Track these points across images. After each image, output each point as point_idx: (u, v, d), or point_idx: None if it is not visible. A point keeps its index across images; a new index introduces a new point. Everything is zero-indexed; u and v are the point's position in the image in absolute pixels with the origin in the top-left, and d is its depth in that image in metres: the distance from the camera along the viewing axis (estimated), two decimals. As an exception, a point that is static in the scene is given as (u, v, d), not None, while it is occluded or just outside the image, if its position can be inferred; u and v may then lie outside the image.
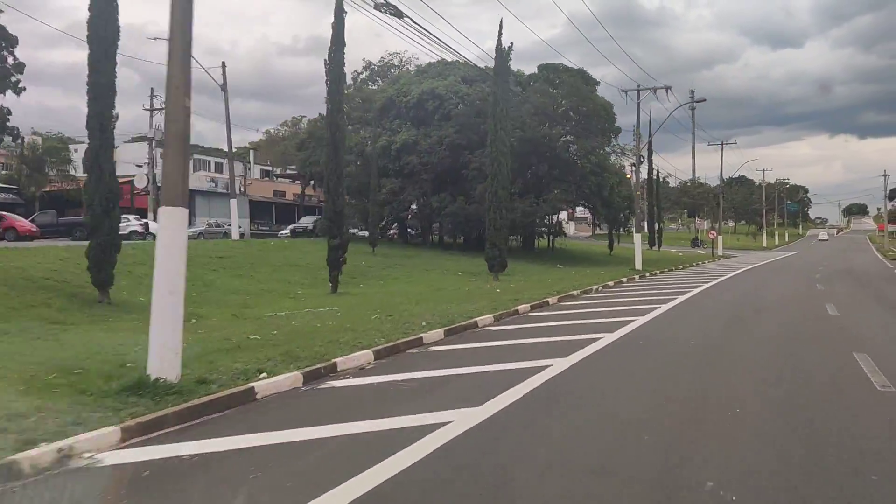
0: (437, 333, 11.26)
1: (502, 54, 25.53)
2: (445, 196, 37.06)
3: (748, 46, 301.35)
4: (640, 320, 13.07)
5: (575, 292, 20.03)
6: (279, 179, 66.32)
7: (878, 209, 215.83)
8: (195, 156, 64.32)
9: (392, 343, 9.91)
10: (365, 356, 8.99)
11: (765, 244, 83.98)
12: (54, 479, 4.40)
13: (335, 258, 18.54)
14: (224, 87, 33.31)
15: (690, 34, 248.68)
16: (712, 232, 55.43)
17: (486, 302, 15.80)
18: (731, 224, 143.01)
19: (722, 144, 56.56)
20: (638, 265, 32.99)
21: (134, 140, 52.56)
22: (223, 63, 34.00)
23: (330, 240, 18.66)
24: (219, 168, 65.56)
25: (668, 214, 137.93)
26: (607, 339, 10.60)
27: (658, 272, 33.13)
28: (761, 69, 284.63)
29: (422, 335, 10.80)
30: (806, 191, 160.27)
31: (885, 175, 71.73)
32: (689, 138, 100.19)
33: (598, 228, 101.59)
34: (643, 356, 9.48)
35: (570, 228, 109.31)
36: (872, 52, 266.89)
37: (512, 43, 26.88)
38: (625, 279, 27.04)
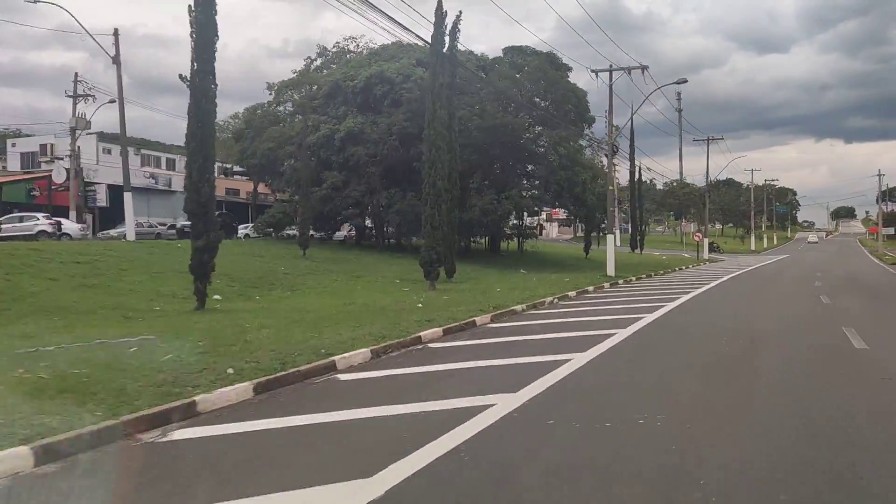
0: (241, 390, 6.95)
1: (442, 18, 21.22)
2: (395, 192, 32.70)
3: (734, 51, 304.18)
4: (578, 361, 8.76)
5: (519, 307, 15.76)
6: (236, 177, 61.74)
7: (867, 212, 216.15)
8: (142, 151, 59.77)
9: (133, 415, 5.60)
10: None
11: (753, 247, 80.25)
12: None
13: (200, 264, 14.11)
14: (116, 60, 28.68)
15: (677, 39, 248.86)
16: (697, 234, 51.43)
17: (384, 324, 11.51)
18: (719, 226, 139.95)
19: (707, 140, 52.51)
20: (610, 271, 28.79)
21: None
22: (115, 31, 29.23)
23: (193, 241, 14.24)
24: (170, 164, 60.91)
25: (654, 217, 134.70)
26: (495, 412, 6.21)
27: (633, 279, 28.98)
28: (748, 74, 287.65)
29: (196, 398, 6.44)
30: (794, 193, 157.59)
31: (879, 175, 67.81)
32: (676, 142, 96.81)
33: (580, 230, 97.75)
34: (521, 479, 5.06)
35: (552, 230, 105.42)
36: (858, 57, 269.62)
37: (461, 12, 22.49)
38: (591, 288, 22.83)
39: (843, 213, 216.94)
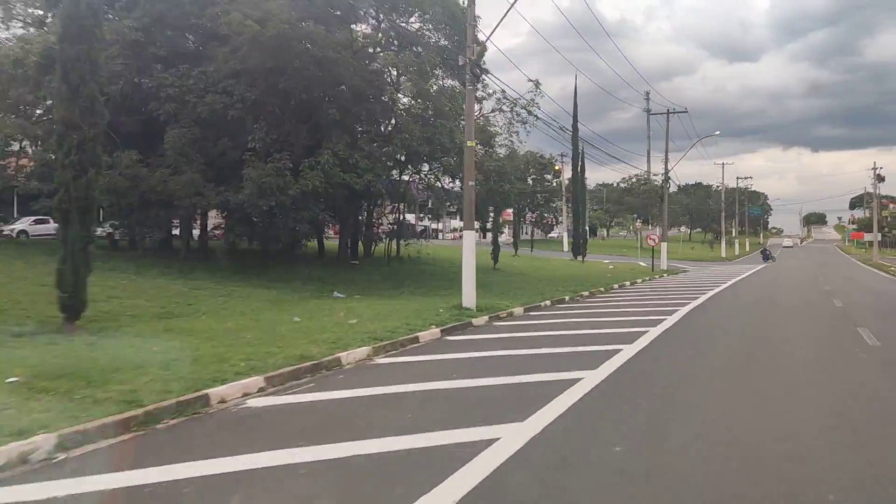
0: None
1: None
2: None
3: (706, 59, 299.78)
4: None
5: None
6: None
7: (839, 218, 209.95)
8: None
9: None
10: None
11: (723, 254, 67.78)
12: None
13: None
14: None
15: (650, 46, 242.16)
16: (651, 236, 38.48)
17: None
18: (686, 231, 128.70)
19: (668, 113, 39.60)
20: (467, 300, 15.36)
21: None
22: None
23: None
24: None
25: (615, 219, 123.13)
26: None
27: (522, 310, 15.95)
28: (718, 82, 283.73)
29: None
30: (766, 197, 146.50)
31: (874, 167, 55.47)
32: (654, 147, 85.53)
33: (525, 232, 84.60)
34: None
35: (506, 234, 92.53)
36: (826, 67, 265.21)
37: None
38: (412, 341, 9.54)
39: (814, 220, 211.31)
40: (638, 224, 47.60)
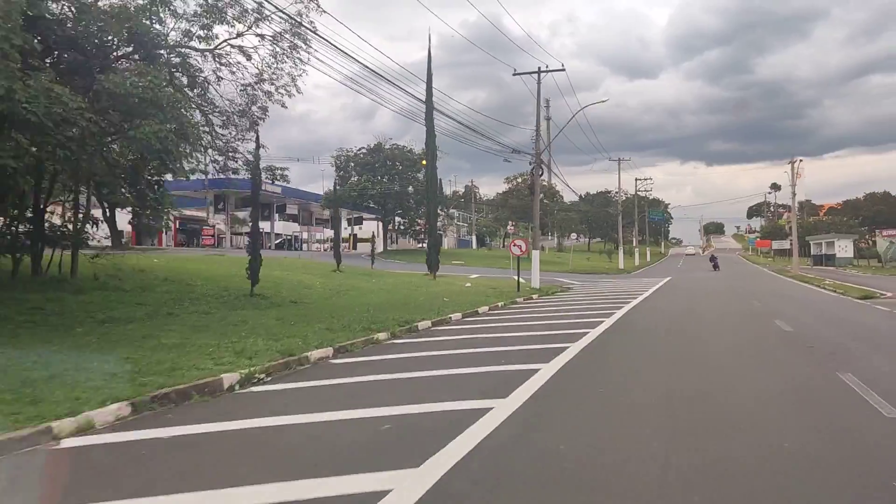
0: None
1: None
2: None
3: (608, 76, 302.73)
4: None
5: None
6: None
7: (737, 227, 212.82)
8: None
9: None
10: None
11: (621, 265, 58.57)
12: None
13: None
14: None
15: (555, 62, 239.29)
16: (517, 243, 27.50)
17: None
18: (584, 240, 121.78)
19: (538, 72, 29.08)
20: None
21: None
22: None
23: None
24: None
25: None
26: None
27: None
28: (620, 98, 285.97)
29: None
30: (667, 205, 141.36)
31: (794, 160, 47.03)
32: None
33: (393, 240, 73.18)
34: None
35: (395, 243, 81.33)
36: (719, 85, 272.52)
37: None
38: None
39: (713, 229, 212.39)
40: (510, 229, 38.21)
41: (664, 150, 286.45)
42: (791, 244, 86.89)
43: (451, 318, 16.77)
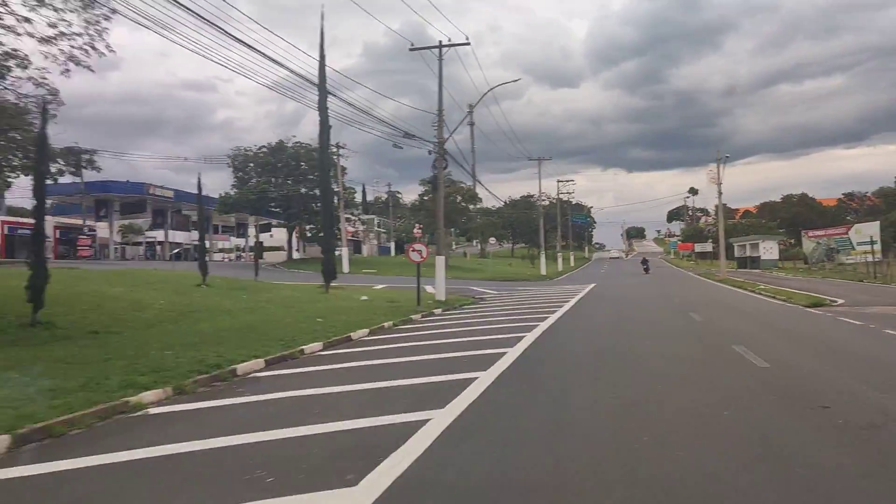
0: None
1: None
2: None
3: (531, 84, 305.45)
4: None
5: None
6: None
7: (658, 231, 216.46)
8: None
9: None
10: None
11: (543, 271, 55.05)
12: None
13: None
14: None
15: (480, 70, 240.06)
16: (415, 247, 22.95)
17: None
18: (508, 246, 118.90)
19: (440, 47, 24.73)
20: None
21: None
22: None
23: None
24: None
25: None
26: None
27: None
28: (543, 106, 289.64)
29: None
30: (589, 209, 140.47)
31: (719, 158, 44.33)
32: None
33: (302, 249, 67.66)
34: None
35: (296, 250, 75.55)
36: (636, 94, 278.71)
37: None
38: None
39: (635, 234, 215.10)
40: (416, 232, 34.13)
41: (586, 157, 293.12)
42: (714, 247, 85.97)
43: (303, 350, 12.14)
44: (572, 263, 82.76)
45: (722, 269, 43.61)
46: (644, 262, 60.66)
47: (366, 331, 15.52)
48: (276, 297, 24.21)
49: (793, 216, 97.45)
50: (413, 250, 22.27)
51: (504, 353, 10.99)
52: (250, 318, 17.39)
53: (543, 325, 15.91)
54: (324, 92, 27.08)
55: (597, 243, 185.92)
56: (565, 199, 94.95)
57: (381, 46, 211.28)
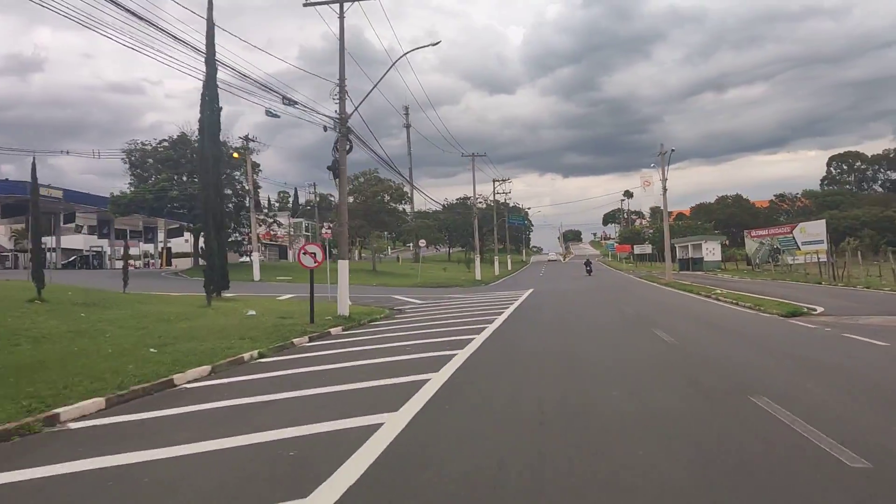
0: None
1: None
2: None
3: (469, 90, 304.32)
4: None
5: None
6: None
7: (594, 234, 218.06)
8: None
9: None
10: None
11: (478, 275, 50.80)
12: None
13: None
14: None
15: (418, 76, 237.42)
16: (307, 250, 18.16)
17: None
18: (445, 250, 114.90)
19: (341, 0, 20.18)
20: None
21: None
22: None
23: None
24: None
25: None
26: None
27: None
28: (481, 112, 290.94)
29: None
30: (526, 210, 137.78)
31: (664, 151, 40.91)
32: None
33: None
34: None
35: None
36: (572, 101, 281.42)
37: None
38: None
39: (571, 237, 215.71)
40: (325, 233, 29.77)
41: (524, 162, 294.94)
42: (656, 249, 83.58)
43: (57, 417, 7.26)
44: (509, 267, 79.16)
45: (668, 271, 40.26)
46: (587, 263, 58.78)
47: (207, 368, 10.71)
48: (133, 315, 18.98)
49: (728, 217, 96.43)
50: (304, 253, 17.42)
51: (376, 429, 6.38)
52: (51, 348, 12.28)
53: (460, 357, 11.44)
54: (211, 31, 22.00)
55: (534, 246, 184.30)
56: (502, 200, 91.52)
57: (319, 51, 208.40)
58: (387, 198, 58.37)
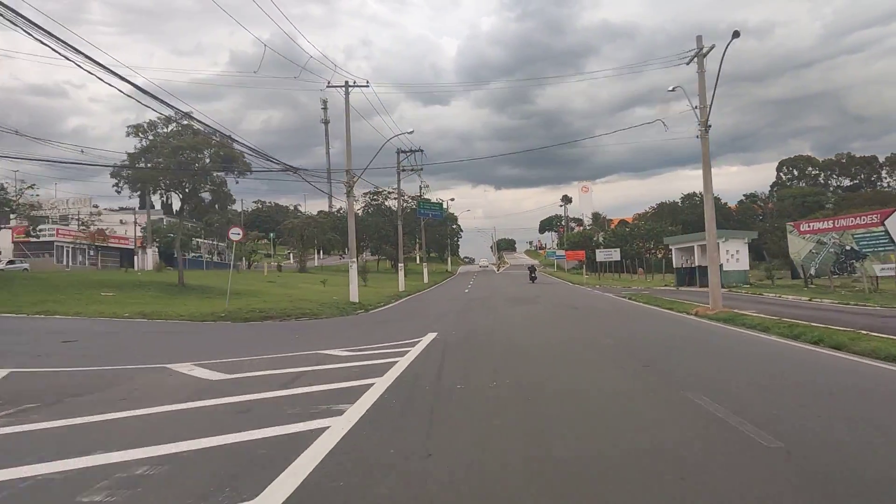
0: None
1: None
2: None
3: (403, 100, 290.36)
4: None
5: None
6: None
7: (530, 243, 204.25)
8: None
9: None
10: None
11: (354, 296, 29.61)
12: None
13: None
14: None
15: (351, 84, 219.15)
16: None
17: None
18: (373, 258, 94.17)
19: None
20: None
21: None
22: None
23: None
24: None
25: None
26: None
27: None
28: (415, 123, 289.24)
29: None
30: (456, 217, 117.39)
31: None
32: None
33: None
34: None
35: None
36: (504, 113, 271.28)
37: None
38: None
39: (505, 246, 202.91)
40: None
41: (458, 173, 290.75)
42: (644, 254, 64.88)
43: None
44: (426, 279, 58.25)
45: (714, 294, 20.38)
46: (531, 269, 55.49)
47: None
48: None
49: (698, 219, 79.23)
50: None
51: None
52: None
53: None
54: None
55: (466, 257, 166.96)
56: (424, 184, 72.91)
57: (250, 57, 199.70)
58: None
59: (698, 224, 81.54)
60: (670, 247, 42.56)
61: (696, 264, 38.61)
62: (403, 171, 41.03)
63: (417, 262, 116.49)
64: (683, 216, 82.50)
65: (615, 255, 58.00)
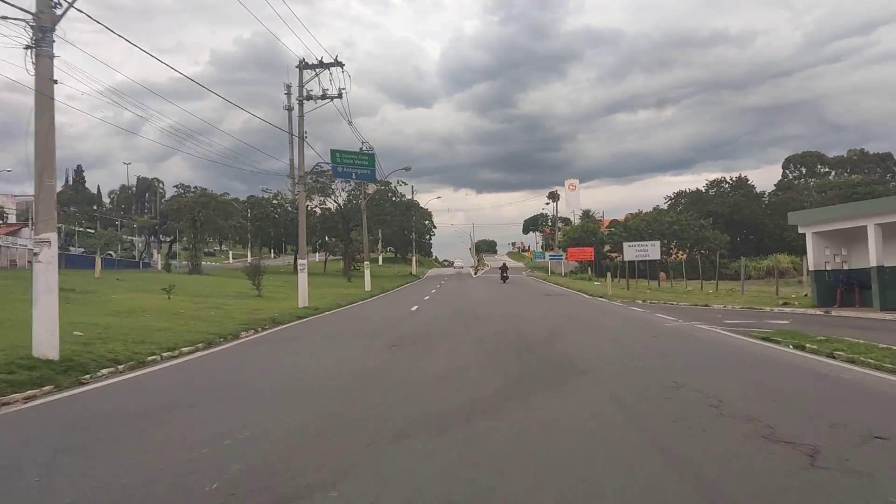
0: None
1: None
2: None
3: (386, 102, 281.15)
4: None
5: None
6: None
7: (512, 244, 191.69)
8: None
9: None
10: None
11: (368, 286, 12.99)
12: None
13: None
14: None
15: (334, 85, 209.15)
16: None
17: None
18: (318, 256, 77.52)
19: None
20: None
21: None
22: None
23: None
24: None
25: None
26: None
27: None
28: (397, 125, 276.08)
29: None
30: (430, 215, 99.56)
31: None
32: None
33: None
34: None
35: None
36: (487, 117, 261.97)
37: None
38: None
39: (485, 248, 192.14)
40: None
41: (439, 176, 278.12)
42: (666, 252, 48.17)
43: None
44: (368, 287, 40.34)
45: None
46: (503, 268, 53.99)
47: None
48: None
49: (731, 210, 63.11)
50: None
51: None
52: None
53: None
54: None
55: (445, 260, 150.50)
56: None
57: (231, 56, 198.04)
58: None
59: (731, 217, 65.16)
60: (800, 230, 23.57)
61: (873, 264, 19.94)
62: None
63: (380, 262, 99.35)
64: (712, 206, 66.13)
65: (652, 251, 40.73)
